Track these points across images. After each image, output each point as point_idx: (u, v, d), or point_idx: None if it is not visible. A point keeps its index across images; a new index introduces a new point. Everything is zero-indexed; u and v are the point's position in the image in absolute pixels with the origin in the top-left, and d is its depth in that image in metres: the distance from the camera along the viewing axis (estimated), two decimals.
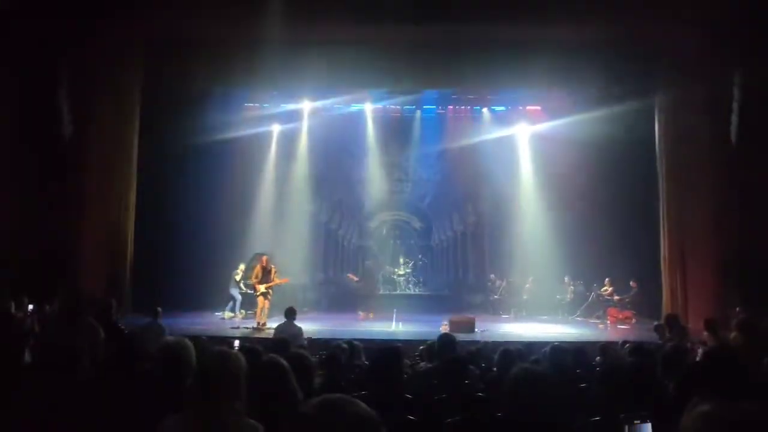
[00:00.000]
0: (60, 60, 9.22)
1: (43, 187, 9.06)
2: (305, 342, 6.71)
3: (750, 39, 8.78)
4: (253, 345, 4.53)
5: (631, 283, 11.94)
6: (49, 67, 9.10)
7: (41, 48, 8.82)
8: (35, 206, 8.91)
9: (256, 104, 13.92)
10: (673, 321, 6.95)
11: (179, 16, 9.34)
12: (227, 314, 11.62)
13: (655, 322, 8.35)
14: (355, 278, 12.80)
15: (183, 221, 12.05)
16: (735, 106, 9.06)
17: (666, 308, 10.30)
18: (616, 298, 11.98)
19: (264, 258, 10.57)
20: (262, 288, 10.17)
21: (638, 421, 1.83)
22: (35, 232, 8.77)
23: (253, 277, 10.35)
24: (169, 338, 3.06)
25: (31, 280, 7.67)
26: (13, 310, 6.39)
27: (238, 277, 11.85)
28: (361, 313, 12.03)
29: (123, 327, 6.07)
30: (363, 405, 1.37)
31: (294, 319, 7.16)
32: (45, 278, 8.12)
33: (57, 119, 9.27)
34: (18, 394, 2.55)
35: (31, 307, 6.92)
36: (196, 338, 5.71)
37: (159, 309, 7.35)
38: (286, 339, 5.24)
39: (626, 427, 1.85)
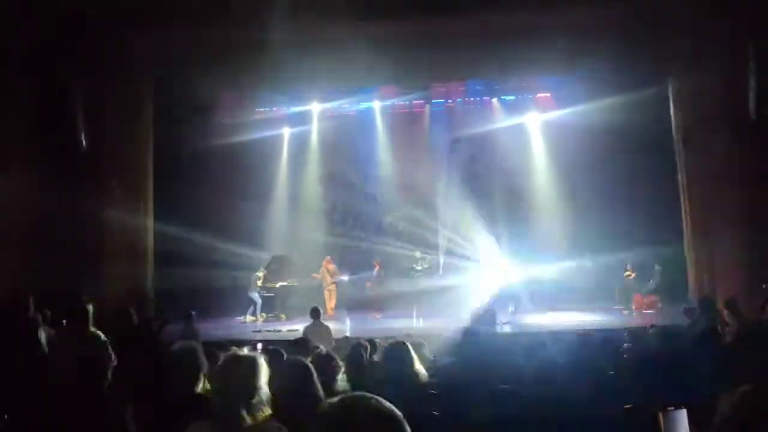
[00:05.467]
0: (75, 68, 9.29)
1: (61, 195, 9.12)
2: (333, 342, 6.69)
3: (763, 11, 8.55)
4: (276, 347, 4.53)
5: (655, 266, 11.74)
6: (65, 75, 9.18)
7: (56, 58, 8.91)
8: (55, 215, 8.97)
9: (267, 108, 13.98)
10: (706, 303, 6.77)
11: (189, 22, 9.38)
12: (248, 318, 11.70)
13: (684, 306, 8.19)
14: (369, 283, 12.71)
15: (199, 226, 12.13)
16: (752, 80, 8.83)
17: (692, 291, 10.11)
18: (647, 288, 11.75)
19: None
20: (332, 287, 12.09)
21: (672, 408, 1.76)
22: (55, 242, 8.84)
23: (329, 276, 12.11)
24: (175, 345, 3.06)
25: (51, 291, 7.75)
26: (39, 320, 6.44)
27: (259, 282, 11.90)
28: (375, 314, 12.03)
29: (155, 331, 6.04)
30: (384, 402, 1.34)
31: (320, 318, 7.16)
32: (66, 289, 8.20)
33: (73, 127, 9.35)
34: (42, 404, 2.56)
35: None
36: (219, 343, 5.74)
37: (193, 313, 7.37)
38: (308, 340, 5.23)
39: (660, 415, 1.77)
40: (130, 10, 9.34)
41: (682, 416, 1.76)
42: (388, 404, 1.34)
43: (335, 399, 1.39)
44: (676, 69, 10.35)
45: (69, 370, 2.84)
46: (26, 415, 2.51)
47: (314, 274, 12.26)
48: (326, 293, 12.08)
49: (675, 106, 10.50)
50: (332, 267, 12.28)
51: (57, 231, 8.86)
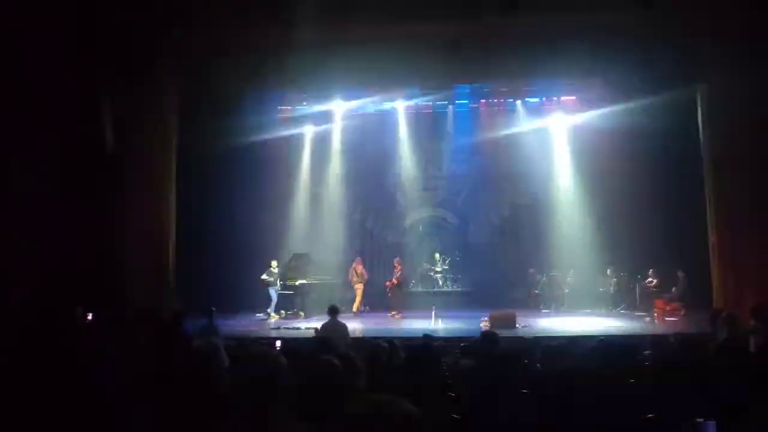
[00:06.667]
0: (100, 69, 9.45)
1: (85, 194, 9.28)
2: (350, 340, 6.72)
3: None
4: (296, 346, 4.58)
5: (678, 273, 11.54)
6: (90, 76, 9.34)
7: (82, 60, 9.08)
8: (79, 213, 9.12)
9: (290, 106, 14.09)
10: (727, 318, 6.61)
11: (213, 21, 9.47)
12: (271, 315, 11.82)
13: (710, 314, 8.02)
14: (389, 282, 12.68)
15: (221, 223, 12.29)
16: None
17: (716, 298, 9.92)
18: (669, 295, 11.54)
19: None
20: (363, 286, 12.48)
21: (701, 419, 1.74)
22: (80, 240, 8.99)
23: (356, 276, 12.48)
24: (197, 342, 3.11)
25: (80, 289, 7.91)
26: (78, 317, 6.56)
27: (272, 278, 11.96)
28: (394, 314, 12.02)
29: (176, 327, 6.12)
30: (408, 404, 1.37)
31: (338, 317, 7.19)
32: (91, 286, 8.36)
33: (99, 127, 9.51)
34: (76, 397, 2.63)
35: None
36: (239, 340, 5.83)
37: (213, 309, 7.42)
38: (329, 339, 5.27)
39: (688, 426, 1.75)
40: (156, 10, 9.47)
41: (711, 429, 1.74)
42: (411, 407, 1.36)
43: (361, 400, 1.41)
44: (704, 72, 10.16)
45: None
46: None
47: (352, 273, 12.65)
48: (357, 291, 12.49)
49: (702, 109, 10.32)
50: (360, 268, 12.57)
51: (79, 231, 9.00)
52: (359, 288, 12.47)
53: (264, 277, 11.98)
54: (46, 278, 8.05)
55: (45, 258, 8.30)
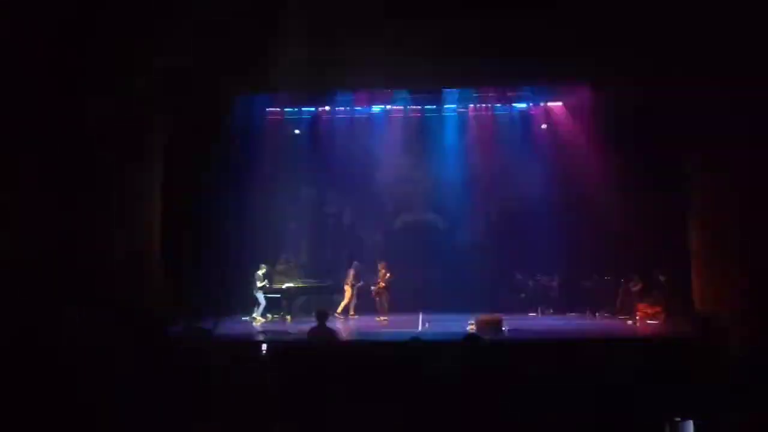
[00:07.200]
0: (86, 68, 9.35)
1: (73, 196, 9.18)
2: (338, 344, 6.72)
3: None
4: (282, 349, 4.59)
5: (660, 277, 11.72)
6: (80, 77, 9.25)
7: (72, 60, 8.98)
8: (66, 215, 9.02)
9: (278, 108, 14.08)
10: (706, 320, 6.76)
11: (204, 19, 9.42)
12: (256, 318, 11.77)
13: (691, 318, 8.17)
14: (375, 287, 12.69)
15: (208, 225, 12.22)
16: None
17: (697, 302, 10.08)
18: (652, 299, 11.70)
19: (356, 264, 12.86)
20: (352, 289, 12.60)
21: (679, 419, 1.80)
22: (67, 241, 8.90)
23: (351, 280, 12.60)
24: (184, 344, 3.13)
25: (67, 289, 7.83)
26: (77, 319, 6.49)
27: (260, 283, 11.91)
28: (381, 319, 12.05)
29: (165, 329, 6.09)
30: (393, 412, 1.40)
31: (326, 321, 7.19)
32: (78, 287, 8.28)
33: (88, 127, 9.41)
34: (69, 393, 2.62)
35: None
36: (227, 343, 5.82)
37: (200, 311, 7.36)
38: (316, 343, 5.29)
39: (667, 426, 1.81)
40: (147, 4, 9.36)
41: (689, 428, 1.80)
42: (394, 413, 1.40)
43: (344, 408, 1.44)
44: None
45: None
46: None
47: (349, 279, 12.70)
48: (346, 293, 12.58)
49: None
50: (352, 272, 12.67)
51: (67, 231, 8.91)
52: (348, 291, 12.48)
53: (258, 284, 11.94)
54: (37, 278, 7.96)
55: (34, 258, 8.20)
